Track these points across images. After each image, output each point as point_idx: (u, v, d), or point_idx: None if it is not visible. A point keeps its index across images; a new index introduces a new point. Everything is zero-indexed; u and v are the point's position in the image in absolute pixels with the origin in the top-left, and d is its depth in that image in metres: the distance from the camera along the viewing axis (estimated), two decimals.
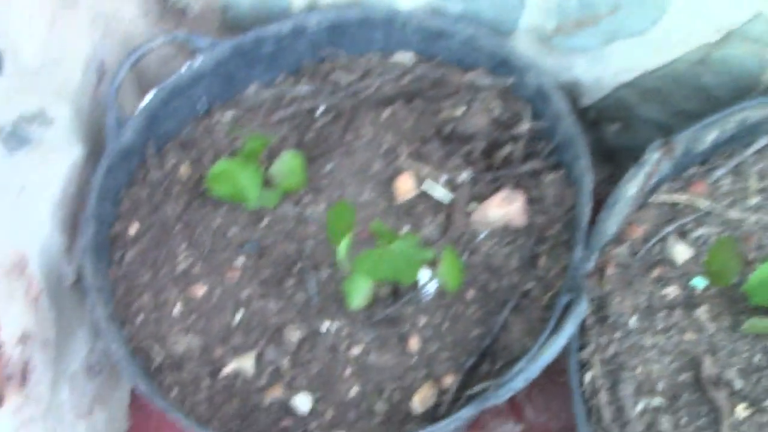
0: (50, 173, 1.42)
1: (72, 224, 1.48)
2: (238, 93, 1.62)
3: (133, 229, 1.48)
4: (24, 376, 1.30)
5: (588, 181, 1.40)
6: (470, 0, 1.55)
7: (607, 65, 1.61)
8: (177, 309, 1.41)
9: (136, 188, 1.51)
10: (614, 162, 1.83)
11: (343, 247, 1.27)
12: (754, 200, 1.49)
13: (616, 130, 1.73)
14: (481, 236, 1.45)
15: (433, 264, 1.40)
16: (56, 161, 1.44)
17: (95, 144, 1.54)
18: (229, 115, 1.59)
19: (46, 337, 1.40)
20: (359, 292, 1.32)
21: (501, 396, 1.22)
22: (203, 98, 1.59)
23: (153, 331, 1.39)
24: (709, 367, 1.34)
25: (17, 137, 1.34)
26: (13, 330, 1.30)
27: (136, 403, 1.77)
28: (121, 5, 1.62)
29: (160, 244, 1.46)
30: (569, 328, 1.22)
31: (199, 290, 1.42)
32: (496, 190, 1.48)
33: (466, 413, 1.24)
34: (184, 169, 1.53)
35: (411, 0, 1.58)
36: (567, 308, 1.30)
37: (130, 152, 1.50)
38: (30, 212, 1.37)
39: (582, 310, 1.24)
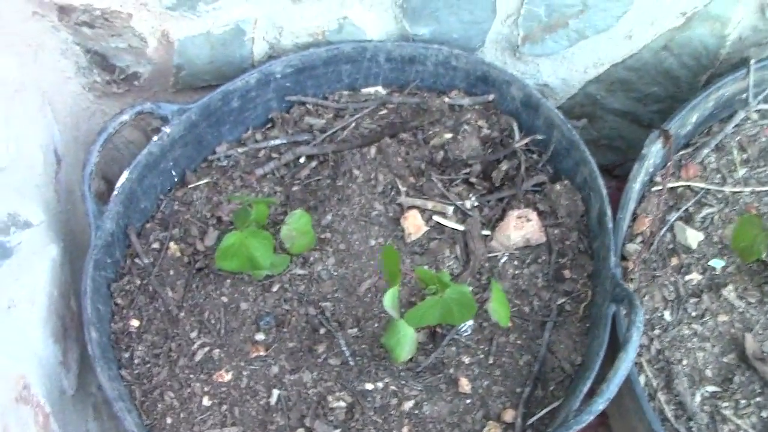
0: (33, 280, 1.28)
1: (62, 330, 1.34)
2: (208, 156, 1.52)
3: (134, 324, 1.35)
4: None
5: (602, 185, 1.38)
6: (438, 21, 1.50)
7: (575, 64, 1.60)
8: (205, 402, 1.30)
9: (127, 279, 1.39)
10: None
11: (389, 298, 1.20)
12: (741, 172, 1.52)
13: (581, 127, 1.73)
14: (503, 260, 1.41)
15: None
16: (36, 265, 1.30)
17: (67, 238, 1.40)
18: (204, 181, 1.49)
19: None
20: (405, 345, 1.25)
21: (582, 421, 1.17)
22: (176, 168, 1.47)
23: None
24: (751, 344, 1.35)
25: None
26: None
27: None
28: (64, 82, 1.48)
29: (169, 335, 1.34)
30: (635, 339, 1.18)
31: (225, 377, 1.31)
32: (504, 210, 1.45)
33: None
34: (173, 249, 1.41)
35: (378, 29, 1.52)
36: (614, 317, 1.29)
37: (112, 242, 1.37)
38: (22, 329, 1.23)
39: (641, 317, 1.21)
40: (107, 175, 1.64)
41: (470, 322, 1.36)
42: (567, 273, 1.41)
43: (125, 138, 1.64)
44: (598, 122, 1.77)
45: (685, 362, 1.36)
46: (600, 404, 1.16)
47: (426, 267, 1.40)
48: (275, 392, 1.30)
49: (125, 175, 1.38)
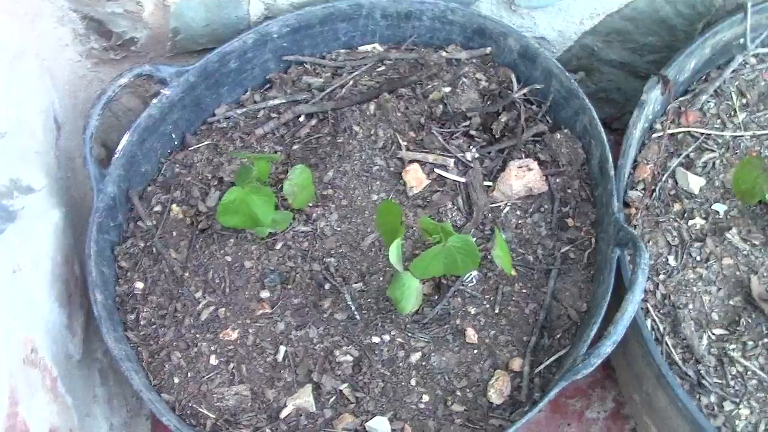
0: (37, 245, 1.24)
1: (67, 295, 1.30)
2: (208, 118, 1.47)
3: (139, 286, 1.31)
4: None
5: (602, 132, 1.33)
6: None
7: (571, 15, 1.55)
8: (212, 361, 1.26)
9: (130, 242, 1.34)
10: None
11: (393, 250, 1.15)
12: (741, 116, 1.47)
13: (578, 80, 1.67)
14: (506, 210, 1.37)
15: None
16: (39, 230, 1.25)
17: (68, 202, 1.36)
18: (204, 143, 1.44)
19: (69, 426, 1.23)
20: (411, 296, 1.20)
21: (591, 365, 1.12)
22: (176, 131, 1.43)
23: (194, 392, 1.23)
24: (756, 286, 1.31)
25: (2, 216, 1.15)
26: (41, 428, 1.13)
27: None
28: (61, 49, 1.43)
29: (174, 296, 1.30)
30: (641, 280, 1.14)
31: (231, 335, 1.27)
32: (504, 161, 1.40)
33: (558, 388, 1.14)
34: (175, 211, 1.37)
35: None
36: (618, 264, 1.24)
37: (114, 206, 1.32)
38: (28, 293, 1.19)
39: (646, 258, 1.16)
40: (106, 143, 1.59)
41: (475, 273, 1.31)
42: (570, 221, 1.37)
43: (123, 105, 1.59)
44: (594, 75, 1.72)
45: (691, 306, 1.31)
46: (608, 347, 1.11)
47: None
48: (282, 349, 1.26)
49: (126, 137, 1.33)
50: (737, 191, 1.33)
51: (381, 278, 1.31)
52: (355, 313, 1.28)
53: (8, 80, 1.23)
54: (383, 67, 1.50)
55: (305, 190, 1.28)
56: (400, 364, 1.25)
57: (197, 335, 1.27)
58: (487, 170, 1.40)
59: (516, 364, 1.25)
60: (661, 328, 1.30)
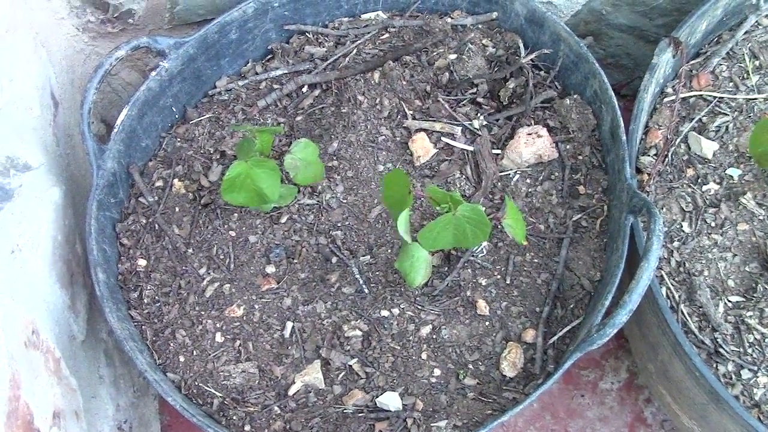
0: (36, 224, 1.18)
1: (69, 275, 1.24)
2: (209, 90, 1.40)
3: (142, 263, 1.26)
4: None
5: (613, 97, 1.26)
6: None
7: None
8: (218, 338, 1.20)
9: (132, 219, 1.29)
10: None
11: (402, 221, 1.09)
12: (754, 79, 1.40)
13: (588, 45, 1.61)
14: (515, 179, 1.31)
15: None
16: (38, 209, 1.20)
17: (68, 180, 1.30)
18: (205, 116, 1.38)
19: (75, 408, 1.18)
20: (420, 268, 1.15)
21: (607, 334, 1.07)
22: (176, 104, 1.36)
23: (200, 370, 1.18)
24: None
25: None
26: (44, 411, 1.07)
27: None
28: (57, 23, 1.36)
29: (178, 273, 1.25)
30: (656, 247, 1.08)
31: (237, 312, 1.22)
32: (513, 129, 1.34)
33: (573, 359, 1.09)
34: (177, 186, 1.31)
35: None
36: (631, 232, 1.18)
37: (114, 182, 1.27)
38: (28, 274, 1.13)
39: (660, 225, 1.10)
40: (106, 119, 1.53)
41: (485, 243, 1.25)
42: (581, 189, 1.30)
43: (123, 80, 1.53)
44: (603, 39, 1.65)
45: (706, 273, 1.25)
46: (623, 316, 1.05)
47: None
48: (289, 324, 1.21)
49: (125, 112, 1.27)
50: (753, 154, 1.26)
51: (389, 250, 1.26)
52: (363, 286, 1.23)
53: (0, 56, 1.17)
54: (387, 35, 1.43)
55: (311, 166, 1.21)
56: (410, 337, 1.20)
57: (202, 312, 1.22)
58: (495, 138, 1.34)
59: (529, 335, 1.20)
60: (677, 296, 1.24)
